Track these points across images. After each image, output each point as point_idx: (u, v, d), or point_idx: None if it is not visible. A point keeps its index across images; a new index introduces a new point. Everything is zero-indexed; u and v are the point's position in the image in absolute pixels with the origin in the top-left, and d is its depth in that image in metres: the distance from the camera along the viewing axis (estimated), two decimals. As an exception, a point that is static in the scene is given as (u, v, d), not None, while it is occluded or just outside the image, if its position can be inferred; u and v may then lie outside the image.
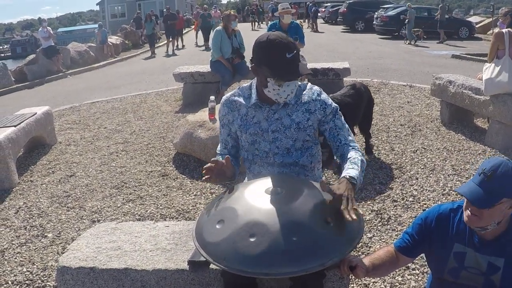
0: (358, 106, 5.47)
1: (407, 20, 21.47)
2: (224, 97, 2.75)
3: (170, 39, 22.02)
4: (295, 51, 2.40)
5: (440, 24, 21.98)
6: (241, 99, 2.67)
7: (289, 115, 2.58)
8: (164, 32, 24.62)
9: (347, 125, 2.69)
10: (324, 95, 2.65)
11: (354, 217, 2.08)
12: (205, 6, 31.73)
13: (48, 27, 17.49)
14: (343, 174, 2.37)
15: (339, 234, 2.07)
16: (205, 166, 2.40)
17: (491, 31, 23.38)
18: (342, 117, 2.67)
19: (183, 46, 23.98)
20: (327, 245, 2.01)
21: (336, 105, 2.66)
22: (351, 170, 2.40)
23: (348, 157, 2.52)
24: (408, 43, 21.21)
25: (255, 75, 2.58)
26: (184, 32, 26.61)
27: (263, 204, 2.15)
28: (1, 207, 5.10)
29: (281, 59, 2.38)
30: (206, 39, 22.92)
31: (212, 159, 2.46)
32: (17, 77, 16.37)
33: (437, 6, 28.39)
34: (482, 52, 15.88)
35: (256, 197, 2.22)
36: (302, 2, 44.80)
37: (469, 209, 2.11)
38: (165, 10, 25.74)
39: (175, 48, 22.41)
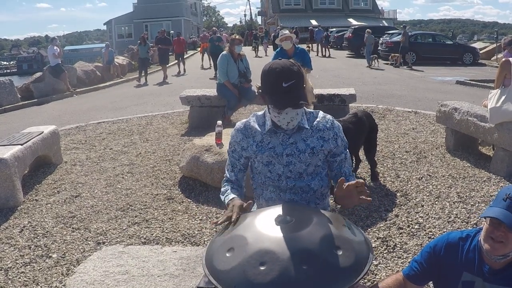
0: (359, 134, 5.49)
1: (365, 44, 23.59)
2: (239, 124, 2.78)
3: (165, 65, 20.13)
4: (293, 81, 2.45)
5: (402, 49, 22.86)
6: (256, 126, 2.70)
7: (304, 140, 2.63)
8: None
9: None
10: (336, 124, 2.72)
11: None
12: (214, 28, 26.79)
13: (58, 46, 17.54)
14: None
15: (348, 263, 2.07)
16: (225, 217, 2.43)
17: (495, 57, 23.62)
18: None
19: (184, 71, 22.45)
20: (337, 274, 2.01)
21: (346, 139, 2.75)
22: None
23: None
24: (367, 66, 22.81)
25: (263, 101, 2.64)
26: (186, 56, 25.31)
27: (273, 233, 2.15)
28: (5, 225, 5.09)
29: (277, 88, 2.45)
30: (216, 67, 19.75)
31: (231, 210, 2.49)
32: (24, 94, 16.49)
33: (441, 31, 28.90)
34: (486, 78, 15.96)
35: (266, 226, 2.22)
36: (306, 27, 45.22)
37: (492, 236, 2.11)
38: (157, 32, 23.25)
39: (176, 73, 21.34)
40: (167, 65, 20.61)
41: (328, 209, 2.81)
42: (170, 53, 22.60)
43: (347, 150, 2.77)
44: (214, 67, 19.66)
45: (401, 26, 25.90)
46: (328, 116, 2.73)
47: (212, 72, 20.01)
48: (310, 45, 32.45)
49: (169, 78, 19.94)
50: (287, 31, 8.85)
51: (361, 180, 2.39)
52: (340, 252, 2.09)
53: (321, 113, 2.73)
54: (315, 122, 2.67)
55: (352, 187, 2.36)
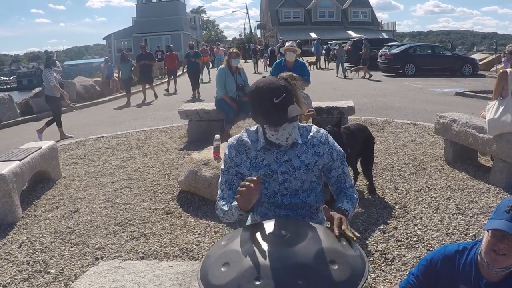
0: (350, 146, 5.47)
1: (336, 55, 26.18)
2: (231, 140, 2.75)
3: (147, 86, 18.40)
4: (283, 94, 2.40)
5: (363, 61, 24.01)
6: (249, 142, 2.68)
7: (299, 156, 2.61)
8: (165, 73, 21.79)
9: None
10: (331, 139, 2.70)
11: (355, 235, 2.28)
12: (190, 42, 21.24)
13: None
14: (338, 205, 2.60)
15: (344, 277, 2.06)
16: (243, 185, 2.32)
17: (494, 68, 23.68)
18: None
19: (175, 90, 20.76)
20: None
21: (343, 151, 2.73)
22: (346, 204, 2.62)
23: (345, 193, 2.74)
24: (337, 76, 24.80)
25: (256, 123, 2.62)
26: (180, 73, 24.27)
27: (268, 247, 2.14)
28: (4, 241, 5.09)
29: (270, 105, 2.40)
30: (194, 86, 18.16)
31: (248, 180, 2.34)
32: (23, 109, 16.54)
33: (440, 43, 29.27)
34: (485, 90, 15.98)
35: (261, 240, 2.21)
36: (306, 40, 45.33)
37: (495, 249, 2.10)
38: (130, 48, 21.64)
39: (165, 92, 20.07)
40: (152, 83, 19.09)
41: (323, 223, 2.80)
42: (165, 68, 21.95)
43: (345, 163, 2.74)
44: (191, 86, 18.29)
45: (363, 39, 27.20)
46: (322, 130, 2.71)
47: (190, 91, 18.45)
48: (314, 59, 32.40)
49: (158, 97, 18.64)
50: (294, 43, 8.82)
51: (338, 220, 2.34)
52: (335, 267, 2.08)
53: (314, 127, 2.71)
54: (309, 137, 2.65)
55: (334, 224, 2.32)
